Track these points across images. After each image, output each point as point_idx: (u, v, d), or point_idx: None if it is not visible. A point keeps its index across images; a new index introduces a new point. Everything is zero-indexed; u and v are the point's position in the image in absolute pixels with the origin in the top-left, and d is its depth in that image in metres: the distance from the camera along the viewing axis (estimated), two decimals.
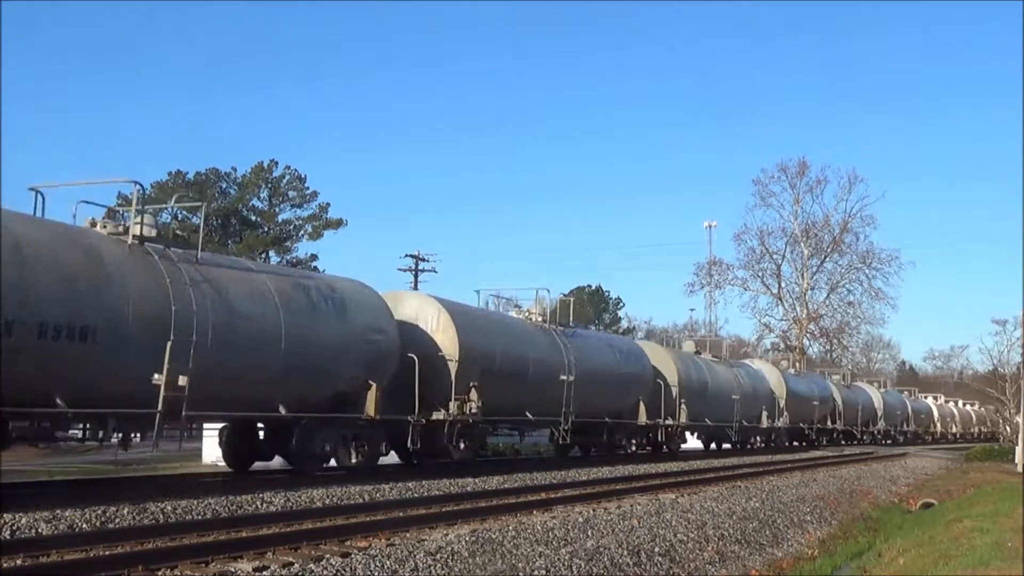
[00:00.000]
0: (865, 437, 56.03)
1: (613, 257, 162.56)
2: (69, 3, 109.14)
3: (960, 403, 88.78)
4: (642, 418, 29.02)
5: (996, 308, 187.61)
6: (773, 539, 17.15)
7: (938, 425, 75.19)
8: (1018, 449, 39.76)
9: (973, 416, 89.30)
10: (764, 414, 39.66)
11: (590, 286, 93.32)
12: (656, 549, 13.81)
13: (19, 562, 9.37)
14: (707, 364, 35.60)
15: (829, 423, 49.25)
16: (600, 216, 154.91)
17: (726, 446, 39.39)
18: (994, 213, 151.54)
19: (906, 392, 72.96)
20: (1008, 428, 65.38)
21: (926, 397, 79.10)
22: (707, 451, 38.08)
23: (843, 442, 51.80)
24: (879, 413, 57.62)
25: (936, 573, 12.36)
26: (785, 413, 41.57)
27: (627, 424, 28.91)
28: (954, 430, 79.78)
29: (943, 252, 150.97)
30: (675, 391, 31.13)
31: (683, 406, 31.42)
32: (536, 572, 11.53)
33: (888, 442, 58.98)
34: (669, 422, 30.58)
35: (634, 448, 30.79)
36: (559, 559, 12.09)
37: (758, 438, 41.22)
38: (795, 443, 46.66)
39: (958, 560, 12.91)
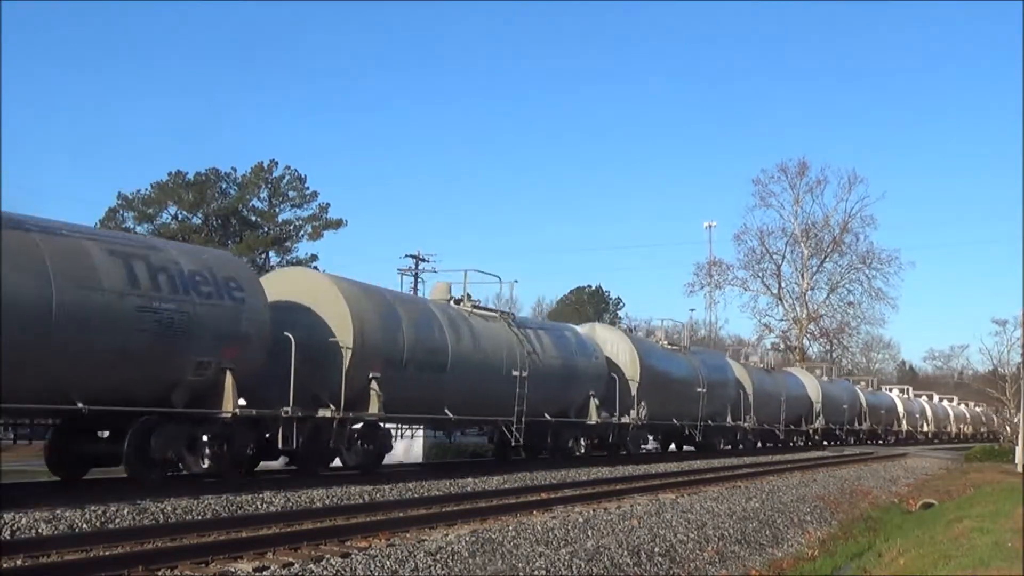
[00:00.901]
0: (796, 439, 45.40)
1: (613, 257, 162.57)
2: (69, 3, 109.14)
3: (935, 398, 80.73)
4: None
5: (996, 308, 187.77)
6: (773, 539, 17.16)
7: (904, 423, 64.60)
8: (1018, 449, 39.75)
9: (950, 413, 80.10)
10: (593, 404, 25.97)
11: (590, 286, 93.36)
12: (656, 549, 13.81)
13: (19, 562, 9.37)
14: (459, 319, 21.35)
15: (729, 419, 35.26)
16: (600, 216, 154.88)
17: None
18: (994, 213, 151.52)
19: (862, 384, 61.57)
20: (1008, 428, 65.05)
21: (890, 390, 69.46)
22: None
23: (761, 445, 41.58)
24: (816, 407, 45.82)
25: (936, 573, 12.36)
26: (641, 404, 28.01)
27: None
28: (925, 428, 70.66)
29: (943, 252, 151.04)
30: (347, 356, 17.59)
31: (374, 386, 18.11)
32: (536, 572, 11.53)
33: (831, 443, 49.64)
34: (325, 414, 17.26)
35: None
36: (559, 559, 12.10)
37: (581, 439, 26.85)
38: (671, 448, 36.40)
39: (958, 560, 12.91)
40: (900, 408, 64.61)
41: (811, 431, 46.26)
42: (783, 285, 69.75)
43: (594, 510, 16.01)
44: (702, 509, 17.57)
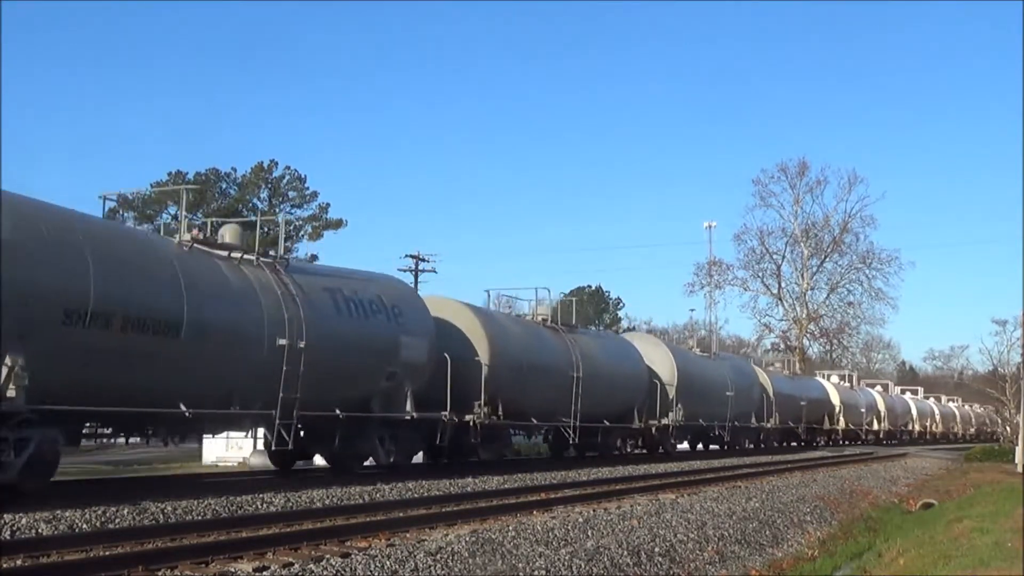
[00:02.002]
0: (620, 443, 30.42)
1: (613, 257, 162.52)
2: (69, 3, 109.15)
3: (898, 391, 70.28)
4: None
5: (996, 308, 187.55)
6: (773, 539, 17.15)
7: (841, 419, 51.05)
8: (1018, 449, 39.75)
9: (912, 408, 67.74)
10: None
11: (590, 286, 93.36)
12: (656, 549, 13.81)
13: (19, 562, 9.37)
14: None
15: (412, 406, 19.33)
16: (600, 216, 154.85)
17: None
18: (994, 213, 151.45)
19: (778, 365, 48.22)
20: (1008, 428, 64.91)
21: (828, 377, 55.35)
22: None
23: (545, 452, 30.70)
24: (668, 392, 30.63)
25: (936, 573, 12.36)
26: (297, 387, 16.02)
27: None
28: (876, 427, 57.82)
29: (943, 252, 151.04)
30: None
31: None
32: (536, 572, 11.53)
33: (701, 448, 37.76)
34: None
35: None
36: (559, 559, 12.09)
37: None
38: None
39: (958, 560, 12.91)
40: (836, 400, 50.60)
41: (653, 428, 30.12)
42: (783, 285, 69.99)
43: (594, 510, 16.01)
44: (702, 509, 17.56)
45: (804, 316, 69.12)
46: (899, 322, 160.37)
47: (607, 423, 27.98)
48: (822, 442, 49.65)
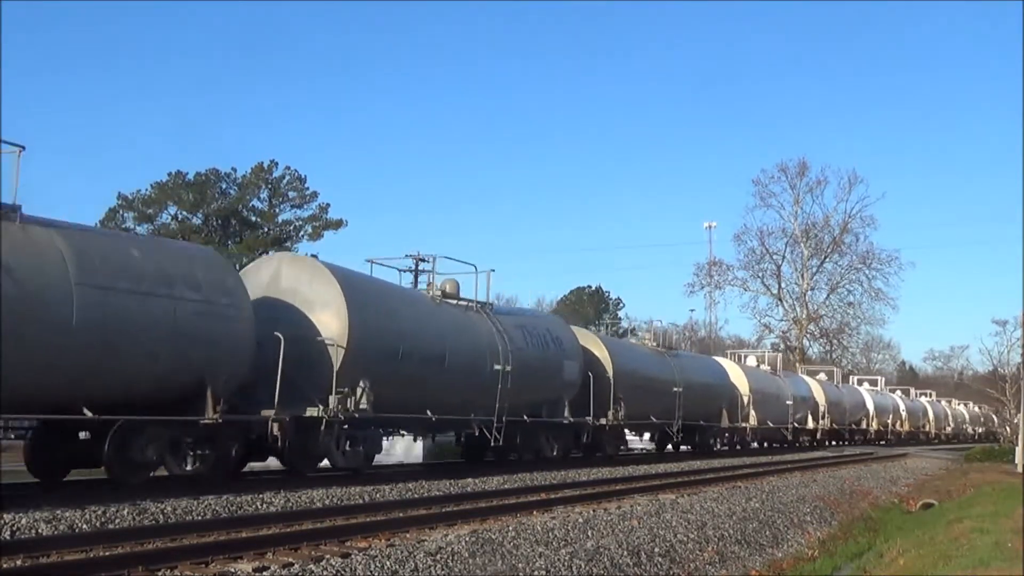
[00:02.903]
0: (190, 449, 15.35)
1: (613, 257, 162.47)
2: (69, 3, 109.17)
3: (853, 381, 61.45)
4: None
5: (996, 308, 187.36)
6: (773, 539, 17.15)
7: (752, 415, 37.69)
8: (1018, 449, 39.76)
9: (868, 402, 56.67)
10: None
11: (590, 286, 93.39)
12: (656, 549, 13.81)
13: (19, 562, 9.37)
14: None
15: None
16: (600, 216, 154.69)
17: None
18: (994, 213, 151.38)
19: (647, 339, 32.33)
20: (1008, 428, 64.82)
21: (744, 358, 42.77)
22: None
23: None
24: (332, 361, 17.23)
25: (936, 573, 12.36)
26: None
27: None
28: (812, 425, 46.19)
29: (943, 252, 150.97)
30: None
31: None
32: (536, 572, 11.53)
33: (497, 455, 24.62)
34: None
35: None
36: (559, 559, 12.09)
37: None
38: None
39: (958, 561, 12.90)
40: (742, 388, 37.57)
41: (273, 425, 16.41)
42: (783, 285, 70.02)
43: (594, 510, 16.02)
44: (702, 509, 17.57)
45: (804, 316, 69.18)
46: (899, 322, 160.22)
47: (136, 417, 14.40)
48: (717, 444, 36.83)
